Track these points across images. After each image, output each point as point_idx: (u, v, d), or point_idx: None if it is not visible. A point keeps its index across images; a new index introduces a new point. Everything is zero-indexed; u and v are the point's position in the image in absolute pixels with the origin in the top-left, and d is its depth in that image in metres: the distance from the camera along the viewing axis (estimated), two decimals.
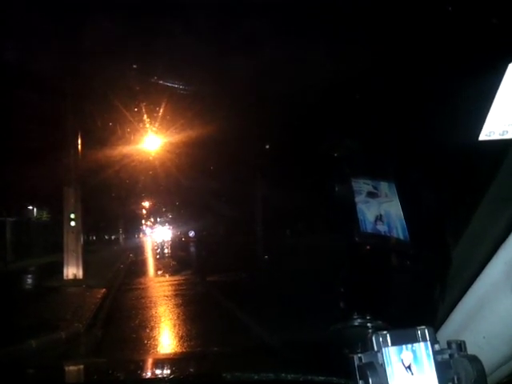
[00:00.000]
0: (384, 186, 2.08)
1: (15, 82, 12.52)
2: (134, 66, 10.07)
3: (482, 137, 1.14)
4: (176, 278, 16.53)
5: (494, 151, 1.32)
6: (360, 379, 1.14)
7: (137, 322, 8.88)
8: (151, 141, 18.54)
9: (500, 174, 1.34)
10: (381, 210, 2.06)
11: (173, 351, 6.75)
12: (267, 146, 18.14)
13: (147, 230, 69.08)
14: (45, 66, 11.23)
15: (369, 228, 2.10)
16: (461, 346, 1.23)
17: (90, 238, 33.55)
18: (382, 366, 1.15)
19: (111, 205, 30.51)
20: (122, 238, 50.18)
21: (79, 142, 15.48)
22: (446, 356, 1.22)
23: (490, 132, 1.13)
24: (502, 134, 1.13)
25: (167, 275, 17.81)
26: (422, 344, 1.19)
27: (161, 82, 10.48)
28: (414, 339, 1.20)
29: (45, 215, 29.70)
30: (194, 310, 9.86)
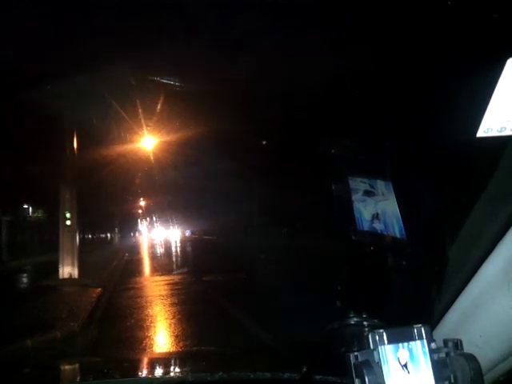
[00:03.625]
0: (381, 185, 2.07)
1: (10, 81, 12.46)
2: (131, 65, 10.06)
3: (480, 133, 1.13)
4: (172, 277, 16.50)
5: (491, 148, 1.32)
6: (356, 377, 1.14)
7: (132, 321, 8.87)
8: (148, 140, 18.49)
9: (498, 172, 1.34)
10: (377, 208, 2.05)
11: (169, 350, 6.73)
12: (264, 145, 18.15)
13: (143, 229, 69.17)
14: (41, 65, 11.18)
15: (365, 226, 2.09)
16: (457, 344, 1.23)
17: (86, 236, 33.47)
18: (379, 364, 1.15)
19: (107, 204, 30.46)
20: (117, 237, 50.22)
21: (75, 140, 15.44)
22: (443, 354, 1.21)
23: (488, 129, 1.12)
24: (500, 131, 1.13)
25: (163, 274, 17.78)
26: (418, 342, 1.19)
27: (157, 78, 10.46)
28: (410, 337, 1.19)
29: (40, 214, 29.61)
30: (190, 310, 9.84)
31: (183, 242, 38.26)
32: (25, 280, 16.76)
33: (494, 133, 1.13)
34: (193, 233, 39.80)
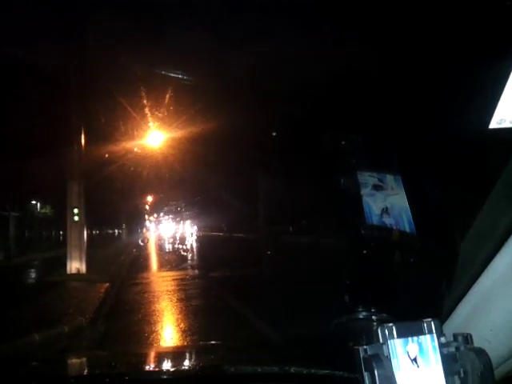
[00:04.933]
0: (390, 179, 2.06)
1: (19, 76, 12.52)
2: (139, 61, 10.07)
3: (493, 125, 1.12)
4: (178, 272, 16.54)
5: (503, 142, 1.30)
6: (365, 371, 1.13)
7: (140, 316, 8.89)
8: (155, 136, 18.56)
9: (509, 166, 1.32)
10: (387, 202, 2.04)
11: (176, 345, 6.75)
12: (271, 140, 18.12)
13: (150, 225, 69.34)
14: (49, 60, 11.21)
15: (374, 221, 2.08)
16: (467, 338, 1.22)
17: (94, 232, 33.63)
18: (388, 358, 1.14)
19: (115, 199, 30.58)
20: (125, 232, 50.43)
21: (83, 136, 15.50)
22: (452, 349, 1.20)
23: (501, 120, 1.11)
24: None
25: (170, 270, 17.83)
26: (428, 336, 1.18)
27: (164, 72, 10.46)
28: (420, 331, 1.18)
29: (48, 210, 29.78)
30: (197, 305, 9.86)
31: (190, 237, 38.34)
32: (32, 275, 16.86)
33: (507, 124, 1.11)
34: (200, 229, 39.84)
